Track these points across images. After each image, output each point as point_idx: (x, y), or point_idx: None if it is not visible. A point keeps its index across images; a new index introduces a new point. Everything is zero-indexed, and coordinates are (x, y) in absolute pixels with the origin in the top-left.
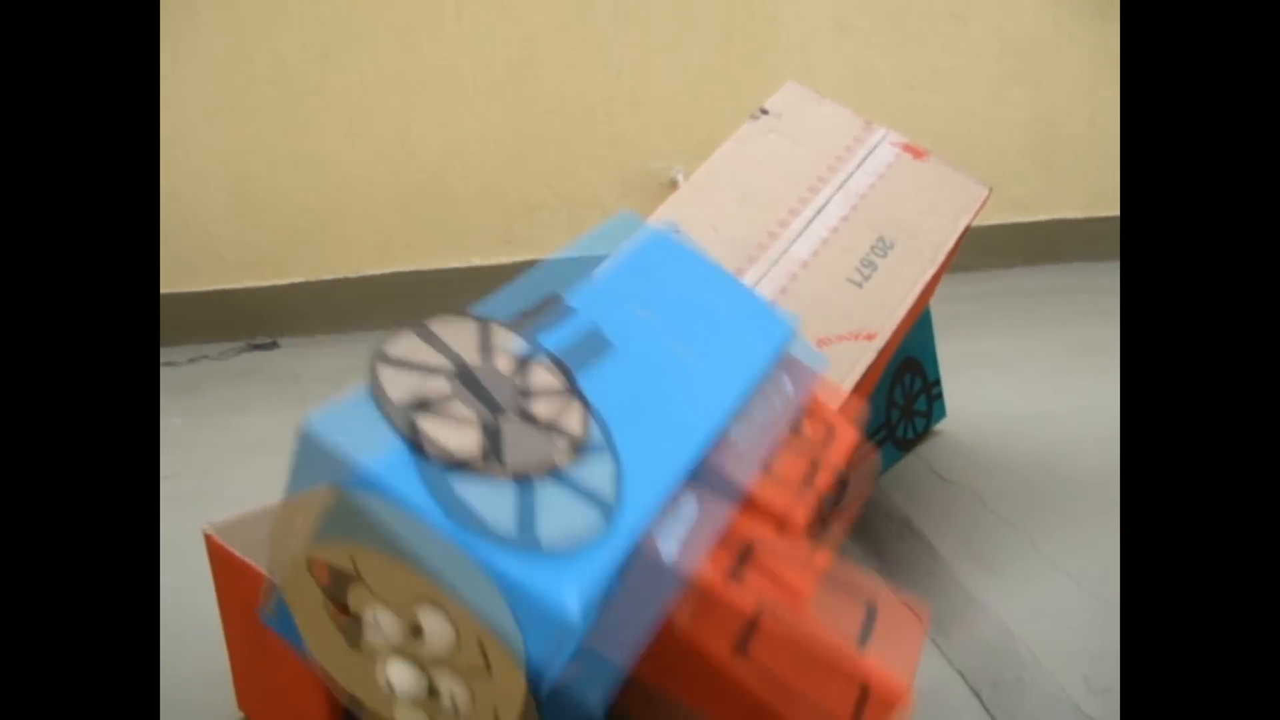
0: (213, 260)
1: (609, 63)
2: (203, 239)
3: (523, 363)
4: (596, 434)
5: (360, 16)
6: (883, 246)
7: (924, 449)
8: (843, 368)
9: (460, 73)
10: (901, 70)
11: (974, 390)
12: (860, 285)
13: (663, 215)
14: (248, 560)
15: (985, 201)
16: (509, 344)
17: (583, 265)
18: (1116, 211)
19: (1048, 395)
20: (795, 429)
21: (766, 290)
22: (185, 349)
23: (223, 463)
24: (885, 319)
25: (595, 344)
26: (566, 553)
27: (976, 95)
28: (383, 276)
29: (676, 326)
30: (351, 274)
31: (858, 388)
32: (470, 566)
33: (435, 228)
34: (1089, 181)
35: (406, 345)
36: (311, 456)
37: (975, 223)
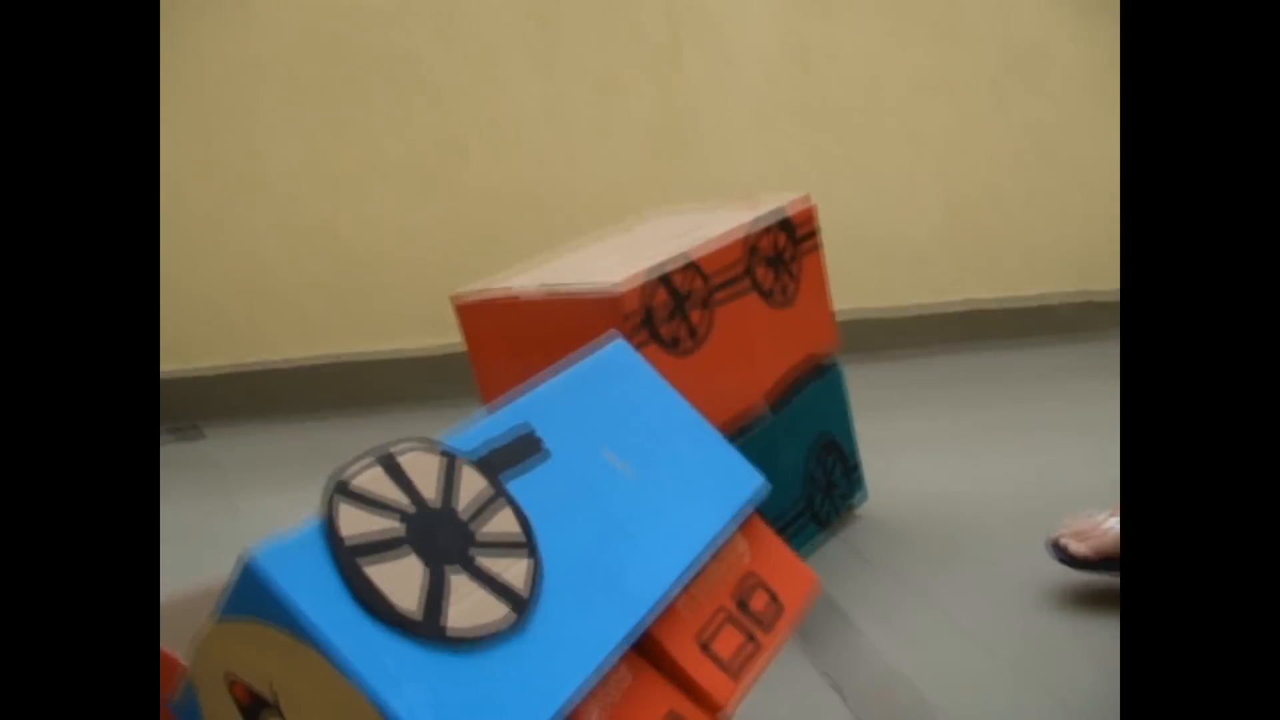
0: None
1: (538, 155)
2: None
3: (483, 507)
4: (539, 596)
5: (292, 106)
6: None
7: (845, 530)
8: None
9: (390, 163)
10: (818, 161)
11: (893, 471)
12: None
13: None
14: (167, 649)
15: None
16: (472, 484)
17: (566, 398)
18: (1027, 295)
19: (965, 477)
20: (744, 597)
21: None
22: None
23: None
24: None
25: (560, 493)
26: None
27: (890, 184)
28: (309, 364)
29: (647, 480)
30: (277, 360)
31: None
32: None
33: (362, 315)
34: (1000, 268)
35: (367, 477)
36: (252, 589)
37: (891, 314)
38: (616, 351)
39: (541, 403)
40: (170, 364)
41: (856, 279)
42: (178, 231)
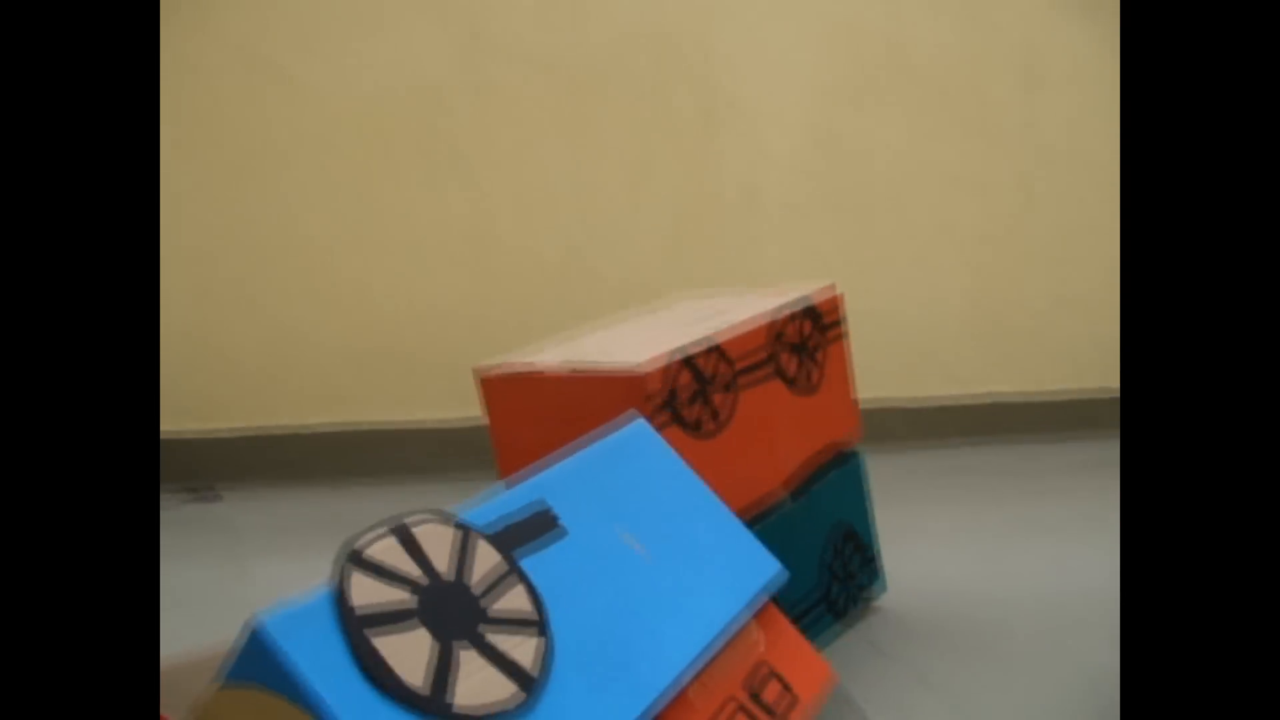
0: (161, 405)
1: (566, 233)
2: None
3: (496, 583)
4: (548, 676)
5: (327, 176)
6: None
7: (862, 623)
8: None
9: (421, 236)
10: (845, 251)
11: (913, 564)
12: None
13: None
14: (166, 716)
15: (830, 290)
16: (486, 559)
17: (584, 477)
18: (1050, 391)
19: (985, 571)
20: (757, 687)
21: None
22: None
23: None
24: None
25: (575, 572)
26: None
27: (916, 275)
28: (330, 431)
29: (662, 563)
30: (299, 426)
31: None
32: None
33: (386, 385)
34: (1025, 362)
35: (381, 547)
36: (257, 654)
37: (918, 404)
38: (637, 432)
39: (559, 480)
40: (191, 425)
41: (881, 370)
42: (208, 295)
